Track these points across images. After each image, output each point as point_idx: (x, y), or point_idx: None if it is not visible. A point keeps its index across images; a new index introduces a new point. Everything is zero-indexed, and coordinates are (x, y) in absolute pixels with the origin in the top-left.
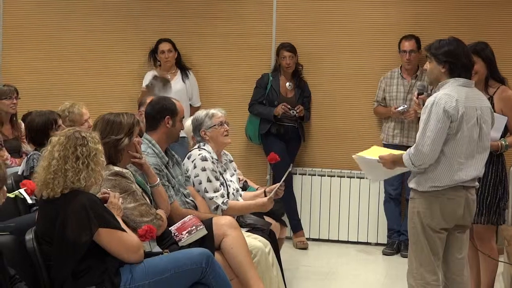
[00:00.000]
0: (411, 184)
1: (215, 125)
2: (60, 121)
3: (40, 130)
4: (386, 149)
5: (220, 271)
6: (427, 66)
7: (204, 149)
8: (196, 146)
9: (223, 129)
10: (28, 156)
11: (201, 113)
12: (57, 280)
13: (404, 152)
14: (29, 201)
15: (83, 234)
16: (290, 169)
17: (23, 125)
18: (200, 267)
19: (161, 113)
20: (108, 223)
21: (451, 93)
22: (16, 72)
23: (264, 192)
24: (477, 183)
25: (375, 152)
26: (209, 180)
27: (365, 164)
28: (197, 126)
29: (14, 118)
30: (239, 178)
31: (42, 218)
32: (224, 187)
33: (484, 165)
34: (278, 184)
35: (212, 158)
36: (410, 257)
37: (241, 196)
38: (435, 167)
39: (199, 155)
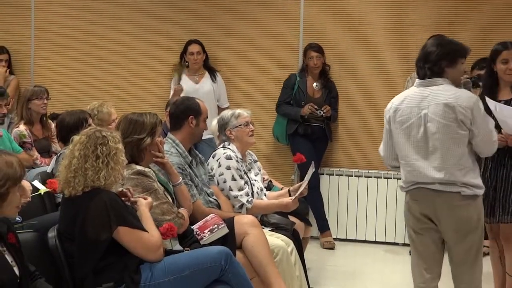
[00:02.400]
0: None
1: (240, 125)
2: (90, 120)
3: (71, 129)
4: None
5: (240, 269)
6: None
7: (229, 148)
8: (221, 145)
9: (248, 129)
10: (58, 154)
11: (227, 112)
12: (78, 277)
13: None
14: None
15: (102, 232)
16: (313, 169)
17: (53, 125)
18: (220, 265)
19: (185, 113)
20: (127, 222)
21: (397, 96)
22: (47, 73)
23: (289, 191)
24: (460, 189)
25: None
26: (233, 179)
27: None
28: (223, 125)
29: (44, 118)
30: (263, 178)
31: (64, 216)
32: (248, 186)
33: (453, 167)
34: (302, 183)
35: (237, 157)
36: None
37: (265, 195)
38: (401, 167)
39: (224, 153)
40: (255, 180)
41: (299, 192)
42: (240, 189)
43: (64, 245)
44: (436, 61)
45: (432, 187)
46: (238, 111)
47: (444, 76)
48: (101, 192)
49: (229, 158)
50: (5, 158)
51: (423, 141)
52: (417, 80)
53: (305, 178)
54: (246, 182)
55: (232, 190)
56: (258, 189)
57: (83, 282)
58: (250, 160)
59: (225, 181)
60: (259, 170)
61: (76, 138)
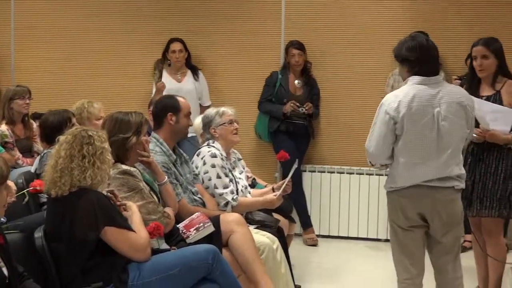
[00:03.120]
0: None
1: (225, 123)
2: (74, 120)
3: (54, 128)
4: None
5: (227, 267)
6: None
7: (214, 146)
8: (206, 144)
9: (232, 127)
10: (42, 154)
11: (211, 110)
12: (66, 277)
13: None
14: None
15: (90, 232)
16: (296, 166)
17: (35, 124)
18: (207, 263)
19: (163, 110)
20: (115, 222)
21: (398, 93)
22: (28, 73)
23: (273, 189)
24: (454, 183)
25: None
26: (218, 177)
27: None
28: (207, 123)
29: (26, 118)
30: (247, 176)
31: (51, 216)
32: (233, 183)
33: (456, 163)
34: (285, 181)
35: (222, 155)
36: None
37: (249, 193)
38: (392, 168)
39: (208, 152)
40: (240, 178)
41: (282, 188)
42: (225, 187)
43: (51, 245)
44: (438, 59)
45: (430, 184)
46: (222, 109)
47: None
48: (88, 192)
49: (214, 156)
50: None
51: (435, 139)
52: (420, 77)
53: (289, 175)
54: (231, 180)
55: (217, 188)
56: (242, 187)
57: (71, 282)
58: (234, 158)
59: (210, 179)
60: (243, 168)
61: (62, 138)
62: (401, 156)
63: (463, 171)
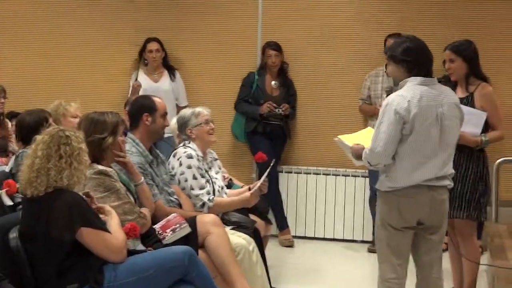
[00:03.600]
0: (376, 185)
1: (201, 124)
2: (51, 120)
3: (31, 128)
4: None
5: (203, 269)
6: (388, 69)
7: (190, 147)
8: (182, 144)
9: (208, 127)
10: (17, 154)
11: (187, 111)
12: (41, 278)
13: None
14: (8, 203)
15: (65, 233)
16: (272, 164)
17: (10, 124)
18: (183, 265)
19: (139, 111)
20: (90, 223)
21: (405, 94)
22: (4, 72)
23: (249, 189)
24: (446, 182)
25: (361, 136)
26: (194, 178)
27: (343, 147)
28: (183, 124)
29: (1, 117)
30: (224, 176)
31: (26, 217)
32: (210, 184)
33: (451, 162)
34: (261, 180)
35: (198, 156)
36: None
37: (226, 193)
38: (392, 168)
39: (184, 152)
40: (216, 179)
41: (257, 186)
42: (201, 188)
43: (26, 245)
44: (432, 60)
45: (429, 183)
46: (198, 109)
47: None
48: (64, 193)
49: (190, 157)
50: None
51: (438, 138)
52: (421, 78)
53: (264, 174)
54: (207, 181)
55: (193, 189)
56: (219, 187)
57: (46, 283)
58: (211, 158)
59: (186, 180)
60: (219, 169)
61: (39, 137)
62: (405, 156)
63: (453, 170)
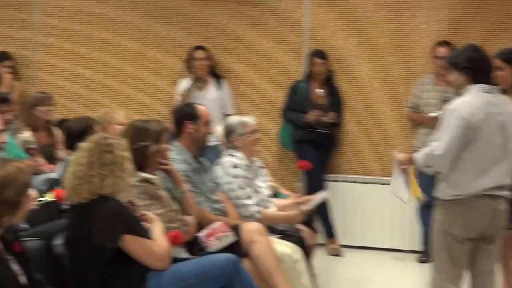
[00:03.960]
0: (436, 192)
1: (247, 133)
2: (96, 127)
3: (77, 135)
4: None
5: (246, 277)
6: (450, 77)
7: (236, 156)
8: (227, 153)
9: (254, 137)
10: (66, 161)
11: (233, 119)
12: (85, 285)
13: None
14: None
15: (108, 240)
16: (324, 197)
17: (58, 131)
18: (226, 273)
19: (182, 119)
20: (133, 230)
21: (470, 100)
22: (51, 78)
23: (296, 203)
24: (505, 192)
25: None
26: (241, 187)
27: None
28: (229, 132)
29: (49, 125)
30: (270, 185)
31: (71, 223)
32: (256, 194)
33: (510, 172)
34: (310, 202)
35: (244, 165)
36: (432, 265)
37: (271, 202)
38: (456, 175)
39: (230, 162)
40: (262, 187)
41: (305, 208)
42: (248, 198)
43: (71, 252)
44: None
45: (490, 193)
46: (244, 119)
47: None
48: (107, 200)
49: (236, 166)
50: (17, 166)
51: (500, 147)
52: (485, 86)
53: (314, 201)
54: (254, 191)
55: (240, 199)
56: (264, 196)
57: None
58: (256, 166)
59: (233, 190)
60: (265, 177)
61: (82, 144)
62: (469, 163)
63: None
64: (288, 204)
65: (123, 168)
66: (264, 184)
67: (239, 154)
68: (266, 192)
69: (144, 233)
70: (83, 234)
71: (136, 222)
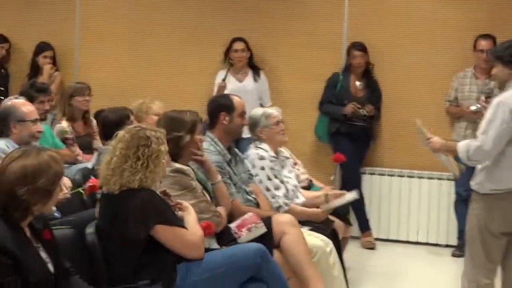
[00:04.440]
0: (473, 186)
1: (271, 125)
2: (132, 117)
3: (113, 125)
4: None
5: (276, 268)
6: (494, 70)
7: (261, 148)
8: (253, 145)
9: (279, 128)
10: (100, 150)
11: (257, 111)
12: (116, 274)
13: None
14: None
15: (140, 230)
16: (355, 197)
17: (94, 122)
18: (255, 263)
19: (216, 110)
20: (166, 220)
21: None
22: (91, 69)
23: (326, 196)
24: None
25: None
26: (269, 178)
27: (419, 134)
28: (253, 124)
29: (87, 115)
30: (304, 177)
31: (103, 213)
32: (284, 184)
33: None
34: (339, 200)
35: (270, 157)
36: (466, 258)
37: (300, 192)
38: (497, 169)
39: (256, 154)
40: (289, 177)
41: (333, 205)
42: (277, 188)
43: (103, 242)
44: None
45: None
46: (269, 110)
47: None
48: (140, 191)
49: (262, 158)
50: (51, 155)
51: None
52: None
53: (343, 200)
54: (281, 181)
55: (269, 190)
56: (292, 186)
57: (121, 280)
58: (282, 157)
59: (261, 182)
60: (292, 167)
61: (121, 133)
62: (511, 158)
63: None
64: (318, 196)
65: (158, 163)
66: (292, 174)
67: (264, 145)
68: (294, 182)
69: (178, 222)
70: (116, 225)
71: (169, 211)
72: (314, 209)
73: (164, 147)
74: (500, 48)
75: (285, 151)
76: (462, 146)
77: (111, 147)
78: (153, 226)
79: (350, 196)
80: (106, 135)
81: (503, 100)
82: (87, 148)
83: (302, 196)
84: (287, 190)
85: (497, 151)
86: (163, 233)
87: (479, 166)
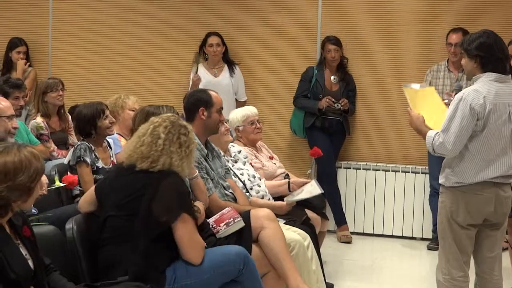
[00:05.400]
0: (440, 180)
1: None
2: (107, 112)
3: (88, 120)
4: (439, 100)
5: (255, 272)
6: (462, 62)
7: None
8: None
9: (223, 128)
10: (75, 146)
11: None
12: (124, 263)
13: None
14: None
15: (166, 213)
16: (320, 192)
17: (70, 117)
18: (237, 268)
19: (195, 105)
20: (191, 213)
21: (480, 89)
22: (65, 65)
23: (288, 183)
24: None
25: (426, 96)
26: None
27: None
28: None
29: (62, 111)
30: (284, 173)
31: (126, 188)
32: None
33: None
34: (304, 195)
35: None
36: (439, 253)
37: (260, 180)
38: (461, 164)
39: None
40: (245, 169)
41: (295, 198)
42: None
43: (120, 214)
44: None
45: (495, 180)
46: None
47: None
48: (175, 175)
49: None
50: (32, 152)
51: (509, 136)
52: (497, 74)
53: (309, 193)
54: (234, 175)
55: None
56: (249, 176)
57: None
58: (234, 152)
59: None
60: (245, 158)
61: (157, 119)
62: (476, 153)
63: None
64: (281, 184)
65: (192, 153)
66: (247, 165)
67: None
68: (251, 172)
69: (197, 221)
70: (143, 201)
71: (193, 207)
72: (278, 202)
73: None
74: (466, 41)
75: (236, 146)
76: (429, 138)
77: (149, 130)
78: (181, 213)
79: (314, 190)
80: (81, 130)
81: (464, 97)
82: (63, 144)
83: (264, 186)
84: (243, 182)
85: (460, 148)
86: (185, 223)
87: (445, 160)
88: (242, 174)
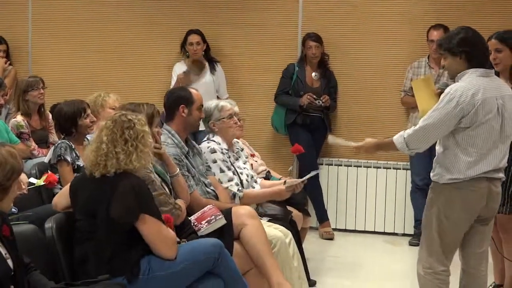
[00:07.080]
0: (433, 177)
1: (223, 118)
2: (88, 110)
3: (68, 119)
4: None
5: (231, 262)
6: (443, 62)
7: (213, 141)
8: (206, 138)
9: (232, 121)
10: (56, 144)
11: (210, 104)
12: (97, 258)
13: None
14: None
15: (125, 215)
16: (316, 173)
17: (50, 115)
18: (213, 257)
19: (176, 102)
20: (152, 212)
21: (468, 85)
22: (45, 63)
23: (284, 182)
24: (501, 175)
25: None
26: (222, 171)
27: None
28: (207, 117)
29: (42, 109)
30: (265, 170)
31: (90, 196)
32: (236, 175)
33: (507, 154)
34: (300, 180)
35: (222, 149)
36: (421, 246)
37: (256, 182)
38: (453, 160)
39: (208, 147)
40: (244, 168)
41: (294, 183)
42: (230, 180)
43: (87, 221)
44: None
45: (488, 175)
46: (221, 103)
47: None
48: (131, 176)
49: (213, 151)
50: (8, 150)
51: (499, 131)
52: (482, 70)
53: (305, 177)
54: (234, 173)
55: (222, 182)
56: (247, 176)
57: (84, 268)
58: (237, 148)
59: (214, 175)
60: (246, 158)
61: (101, 124)
62: (468, 148)
63: (506, 163)
64: (276, 184)
65: (145, 143)
66: (247, 164)
67: (217, 138)
68: (249, 172)
69: (161, 217)
70: (102, 206)
71: (155, 205)
72: (276, 187)
73: (147, 128)
74: (447, 38)
75: (240, 143)
76: (397, 140)
77: (96, 136)
78: (140, 214)
79: (312, 173)
80: (62, 129)
81: (452, 92)
82: (44, 142)
83: (258, 186)
84: (241, 180)
85: (433, 140)
86: (147, 223)
87: (436, 157)
88: (242, 174)
